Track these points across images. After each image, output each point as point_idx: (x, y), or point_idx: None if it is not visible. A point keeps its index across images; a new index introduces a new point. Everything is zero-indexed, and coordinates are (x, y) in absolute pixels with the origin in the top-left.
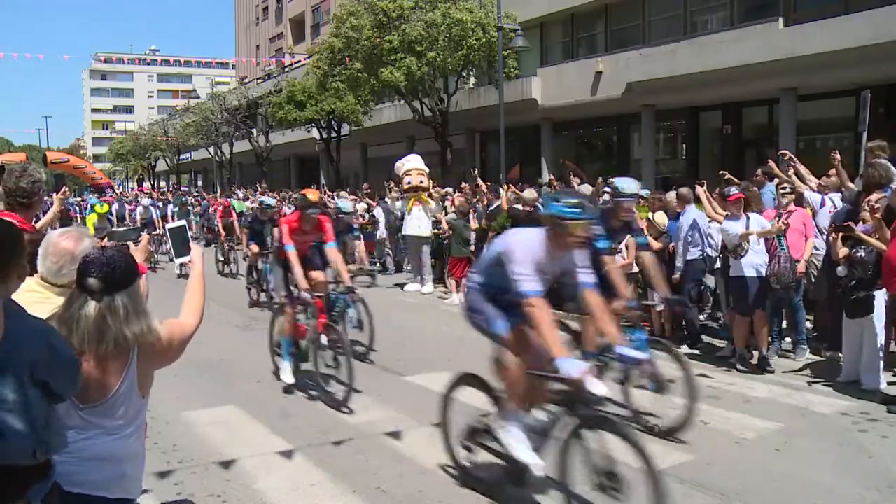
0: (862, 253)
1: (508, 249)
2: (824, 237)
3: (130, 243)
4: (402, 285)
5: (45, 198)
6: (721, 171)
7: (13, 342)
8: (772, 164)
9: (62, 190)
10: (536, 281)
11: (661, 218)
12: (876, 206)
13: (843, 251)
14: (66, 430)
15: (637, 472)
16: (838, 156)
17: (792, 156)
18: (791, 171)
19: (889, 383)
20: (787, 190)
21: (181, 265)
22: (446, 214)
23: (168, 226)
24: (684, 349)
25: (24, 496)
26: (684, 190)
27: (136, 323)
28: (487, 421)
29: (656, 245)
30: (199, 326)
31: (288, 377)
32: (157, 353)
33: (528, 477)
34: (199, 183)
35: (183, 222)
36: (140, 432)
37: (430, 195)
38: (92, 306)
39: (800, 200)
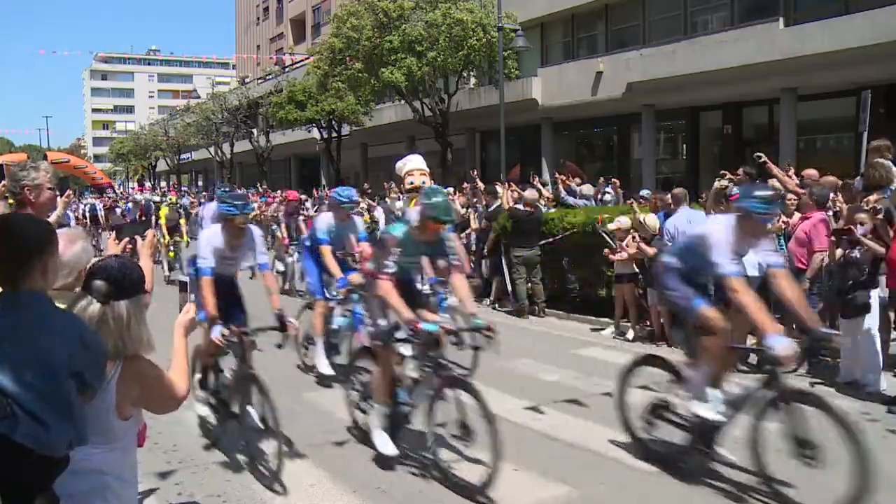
0: (856, 254)
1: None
2: None
3: (138, 237)
4: None
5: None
6: (722, 171)
7: (53, 336)
8: (770, 165)
9: (66, 193)
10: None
11: (651, 221)
12: (878, 208)
13: (838, 252)
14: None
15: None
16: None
17: (766, 158)
18: (777, 171)
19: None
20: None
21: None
22: None
23: (179, 277)
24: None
25: (51, 487)
26: (678, 190)
27: (136, 331)
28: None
29: (650, 250)
30: (185, 399)
31: None
32: (141, 376)
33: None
34: (200, 183)
35: (185, 279)
36: (129, 448)
37: None
38: (96, 308)
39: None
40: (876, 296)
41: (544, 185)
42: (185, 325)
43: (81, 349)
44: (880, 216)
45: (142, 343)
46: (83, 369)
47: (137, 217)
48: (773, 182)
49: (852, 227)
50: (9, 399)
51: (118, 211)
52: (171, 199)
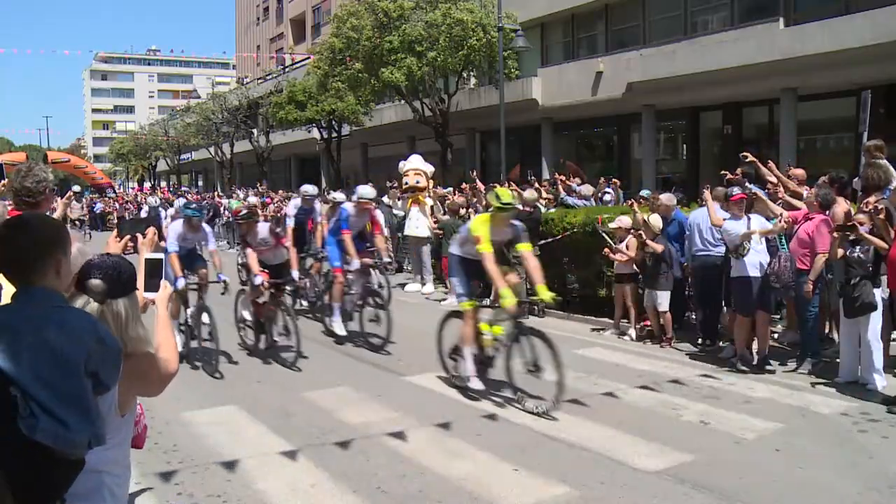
0: (858, 253)
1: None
2: None
3: (139, 235)
4: (402, 285)
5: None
6: (722, 172)
7: (70, 334)
8: (771, 165)
9: (66, 194)
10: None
11: (655, 220)
12: (881, 208)
13: (839, 252)
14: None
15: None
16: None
17: (754, 158)
18: (766, 172)
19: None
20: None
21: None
22: (444, 214)
23: (145, 256)
24: (687, 346)
25: (68, 489)
26: (665, 197)
27: (134, 329)
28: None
29: (658, 247)
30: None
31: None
32: (143, 372)
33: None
34: (200, 183)
35: (161, 255)
36: (124, 444)
37: (428, 195)
38: (94, 308)
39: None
40: (879, 295)
41: (550, 183)
42: (166, 299)
43: (98, 347)
44: (881, 216)
45: (140, 341)
46: (98, 368)
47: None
48: (772, 179)
49: (857, 223)
50: (27, 397)
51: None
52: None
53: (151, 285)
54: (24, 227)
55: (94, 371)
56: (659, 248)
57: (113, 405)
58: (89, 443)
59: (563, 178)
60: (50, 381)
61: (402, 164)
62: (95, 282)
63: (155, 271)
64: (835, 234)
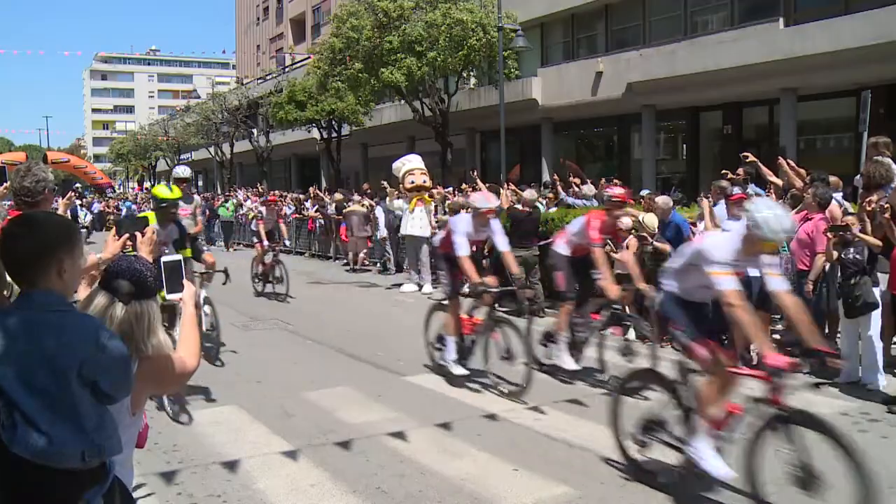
0: (853, 254)
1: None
2: None
3: (137, 234)
4: (398, 285)
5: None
6: (723, 171)
7: (62, 340)
8: (781, 161)
9: (67, 195)
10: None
11: (650, 219)
12: (885, 206)
13: (834, 253)
14: (119, 432)
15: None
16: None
17: (755, 158)
18: (767, 172)
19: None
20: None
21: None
22: (445, 214)
23: (163, 259)
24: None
25: (78, 502)
26: (661, 200)
27: (155, 335)
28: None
29: (665, 247)
30: (196, 368)
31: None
32: (159, 374)
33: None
34: (200, 183)
35: (179, 257)
36: (129, 444)
37: (430, 195)
38: (119, 309)
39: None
40: (877, 294)
41: (545, 186)
42: (193, 296)
43: (97, 353)
44: (887, 214)
45: (161, 345)
46: (98, 377)
47: None
48: (773, 179)
49: (850, 224)
50: (13, 406)
51: None
52: None
53: (175, 287)
54: (26, 226)
55: (93, 380)
56: (666, 247)
57: (125, 406)
58: (83, 456)
59: (572, 177)
60: (41, 388)
61: (398, 163)
62: (123, 282)
63: (175, 273)
64: (828, 235)
